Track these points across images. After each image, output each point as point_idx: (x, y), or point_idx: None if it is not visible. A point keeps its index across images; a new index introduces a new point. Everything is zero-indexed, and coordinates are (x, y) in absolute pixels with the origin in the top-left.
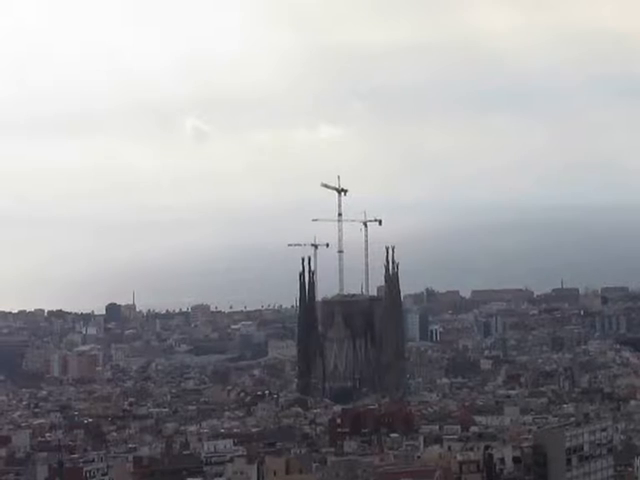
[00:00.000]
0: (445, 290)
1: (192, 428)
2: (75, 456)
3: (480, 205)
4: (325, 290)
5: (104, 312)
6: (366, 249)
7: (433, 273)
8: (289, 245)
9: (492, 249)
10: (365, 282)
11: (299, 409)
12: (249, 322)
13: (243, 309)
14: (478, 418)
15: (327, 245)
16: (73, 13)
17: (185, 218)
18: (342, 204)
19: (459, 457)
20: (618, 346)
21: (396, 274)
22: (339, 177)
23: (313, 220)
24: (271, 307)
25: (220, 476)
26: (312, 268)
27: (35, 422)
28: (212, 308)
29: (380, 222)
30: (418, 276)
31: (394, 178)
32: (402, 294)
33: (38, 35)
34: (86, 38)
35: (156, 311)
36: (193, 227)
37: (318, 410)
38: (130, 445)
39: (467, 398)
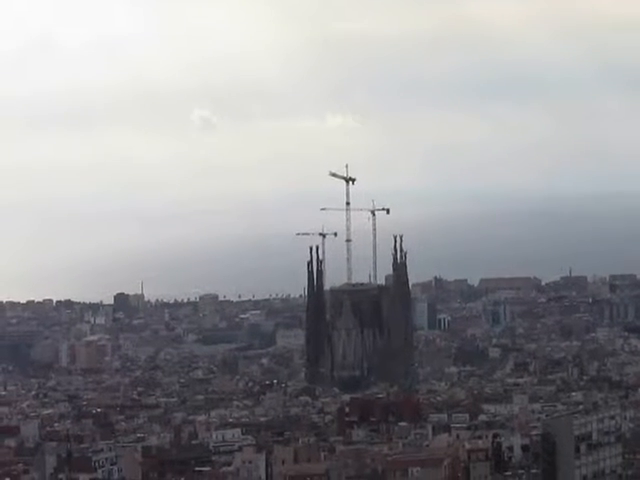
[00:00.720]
0: (453, 279)
1: (200, 418)
2: (84, 446)
3: (488, 194)
4: (333, 279)
5: (112, 302)
6: (374, 238)
7: (441, 262)
8: (297, 234)
9: (500, 238)
10: (373, 271)
11: (307, 398)
12: (257, 311)
13: (251, 298)
14: (486, 406)
15: (335, 234)
16: (80, 5)
17: (193, 208)
18: (350, 193)
19: (467, 445)
20: (626, 334)
21: (404, 263)
22: (347, 166)
23: (321, 209)
24: (279, 296)
25: (229, 465)
26: (320, 257)
27: (44, 412)
28: (220, 297)
29: (388, 211)
30: (426, 265)
31: (402, 167)
32: (410, 283)
33: (41, 26)
34: (92, 29)
35: (164, 301)
36: (201, 217)
37: (326, 399)
38: (139, 435)
39: (475, 386)
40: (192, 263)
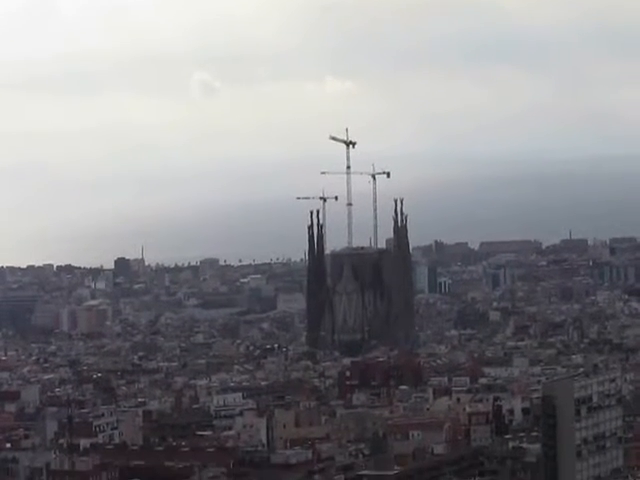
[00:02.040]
0: (454, 242)
1: (201, 382)
2: (85, 411)
3: (486, 157)
4: (334, 243)
5: (113, 267)
6: (375, 201)
7: (441, 225)
8: (297, 198)
9: (500, 202)
10: (374, 235)
11: (308, 362)
12: (258, 275)
13: (252, 262)
14: (487, 370)
15: (336, 198)
16: None
17: (192, 172)
18: (351, 157)
19: (468, 409)
20: (626, 296)
21: (405, 226)
22: (347, 130)
23: (322, 173)
24: (280, 260)
25: (230, 429)
26: (320, 221)
27: (45, 377)
28: (221, 262)
29: (388, 174)
30: (426, 228)
31: (401, 131)
32: (411, 246)
33: None
34: None
35: (165, 265)
36: (201, 181)
37: (327, 363)
38: (140, 399)
39: (476, 350)
40: (192, 227)
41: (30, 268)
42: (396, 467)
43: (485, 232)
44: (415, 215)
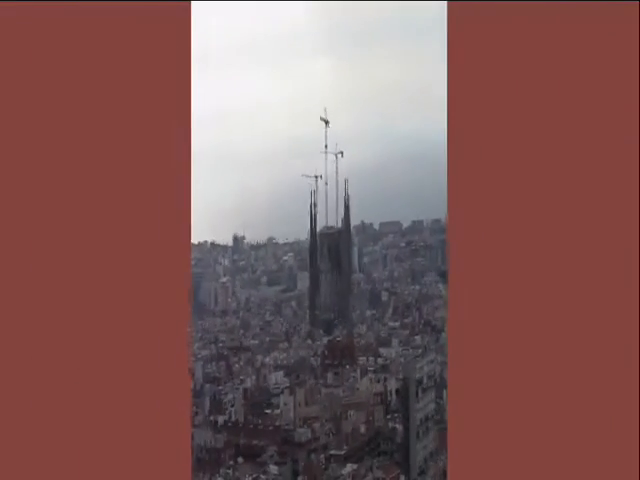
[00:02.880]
0: (369, 222)
1: (266, 360)
2: (220, 388)
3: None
4: (323, 222)
5: (231, 244)
6: (336, 181)
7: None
8: (302, 176)
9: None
10: (335, 214)
11: (309, 341)
12: (292, 254)
13: (287, 240)
14: (381, 350)
15: (320, 177)
16: None
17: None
18: (329, 136)
19: (373, 389)
20: (438, 278)
21: (347, 206)
22: (325, 109)
23: (310, 152)
24: (298, 239)
25: (277, 408)
26: (315, 200)
27: (203, 354)
28: (275, 240)
29: (342, 154)
30: (364, 208)
31: (354, 109)
32: (352, 226)
33: None
34: None
35: (251, 243)
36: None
37: (318, 342)
38: (241, 377)
39: (377, 330)
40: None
41: (193, 245)
42: (345, 447)
43: (385, 211)
44: (362, 194)
